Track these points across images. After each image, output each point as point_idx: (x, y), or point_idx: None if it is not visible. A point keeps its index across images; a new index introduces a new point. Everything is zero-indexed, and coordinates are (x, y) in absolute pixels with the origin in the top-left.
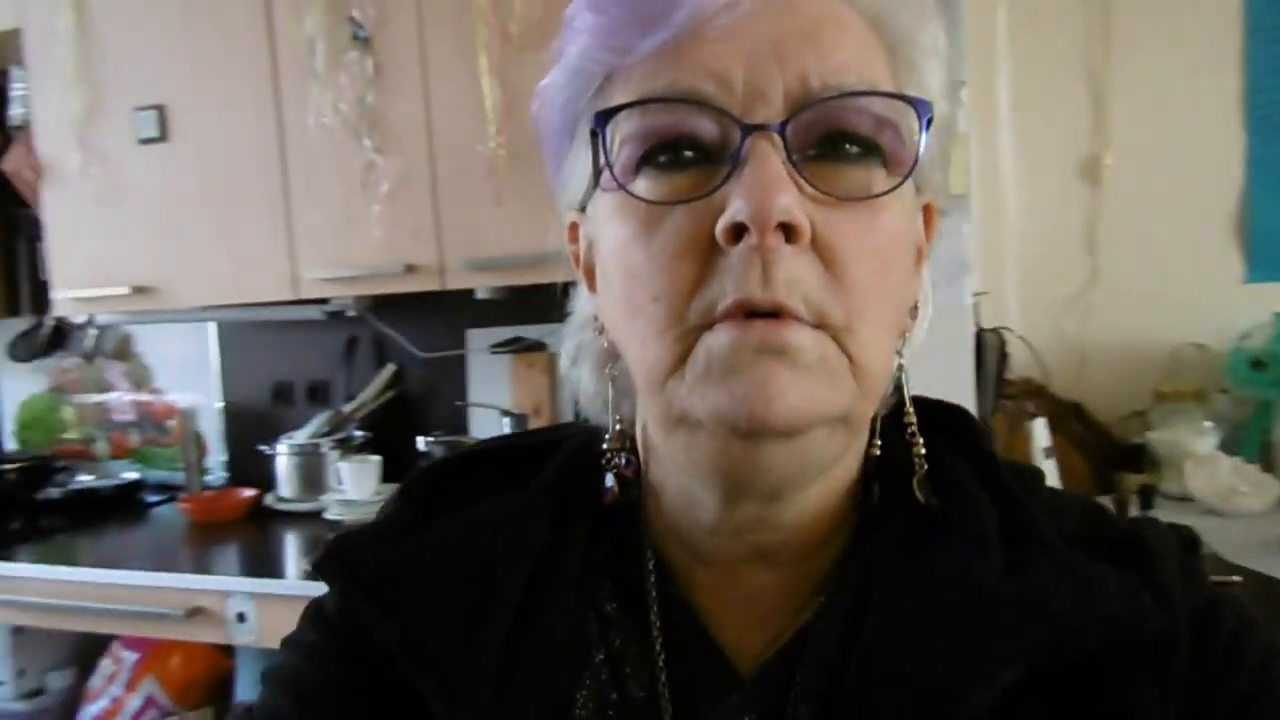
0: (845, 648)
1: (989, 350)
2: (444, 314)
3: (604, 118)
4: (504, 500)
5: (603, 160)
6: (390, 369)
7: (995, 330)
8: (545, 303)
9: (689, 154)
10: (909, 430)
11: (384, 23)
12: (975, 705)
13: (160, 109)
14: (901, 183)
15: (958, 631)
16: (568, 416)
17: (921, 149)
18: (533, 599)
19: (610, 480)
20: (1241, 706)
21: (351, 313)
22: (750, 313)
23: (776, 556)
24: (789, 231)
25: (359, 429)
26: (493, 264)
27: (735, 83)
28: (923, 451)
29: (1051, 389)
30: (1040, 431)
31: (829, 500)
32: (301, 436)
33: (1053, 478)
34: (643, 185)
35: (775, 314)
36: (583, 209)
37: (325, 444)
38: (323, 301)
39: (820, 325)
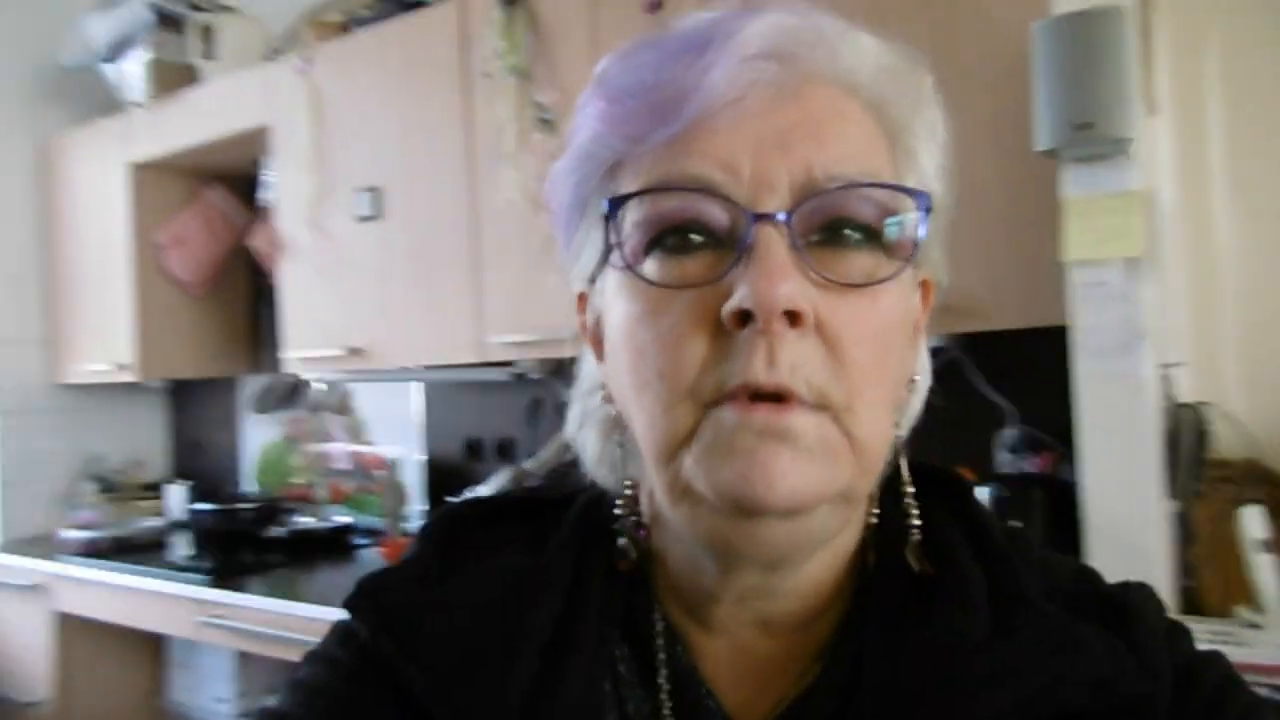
0: (842, 715)
1: (1184, 427)
2: None
3: (616, 203)
4: (527, 558)
5: (614, 241)
6: None
7: (1193, 405)
8: None
9: (697, 238)
10: (904, 499)
11: (567, 106)
12: None
13: (375, 190)
14: (901, 270)
15: (948, 695)
16: None
17: (921, 236)
18: (553, 658)
19: (624, 544)
20: None
21: (534, 375)
22: (755, 395)
23: (779, 625)
24: (792, 317)
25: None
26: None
27: (743, 172)
28: (917, 521)
29: (1277, 472)
30: (1254, 521)
31: (829, 570)
32: (485, 490)
33: (1267, 572)
34: (651, 267)
35: (779, 397)
36: (592, 282)
37: None
38: (509, 364)
39: (822, 406)
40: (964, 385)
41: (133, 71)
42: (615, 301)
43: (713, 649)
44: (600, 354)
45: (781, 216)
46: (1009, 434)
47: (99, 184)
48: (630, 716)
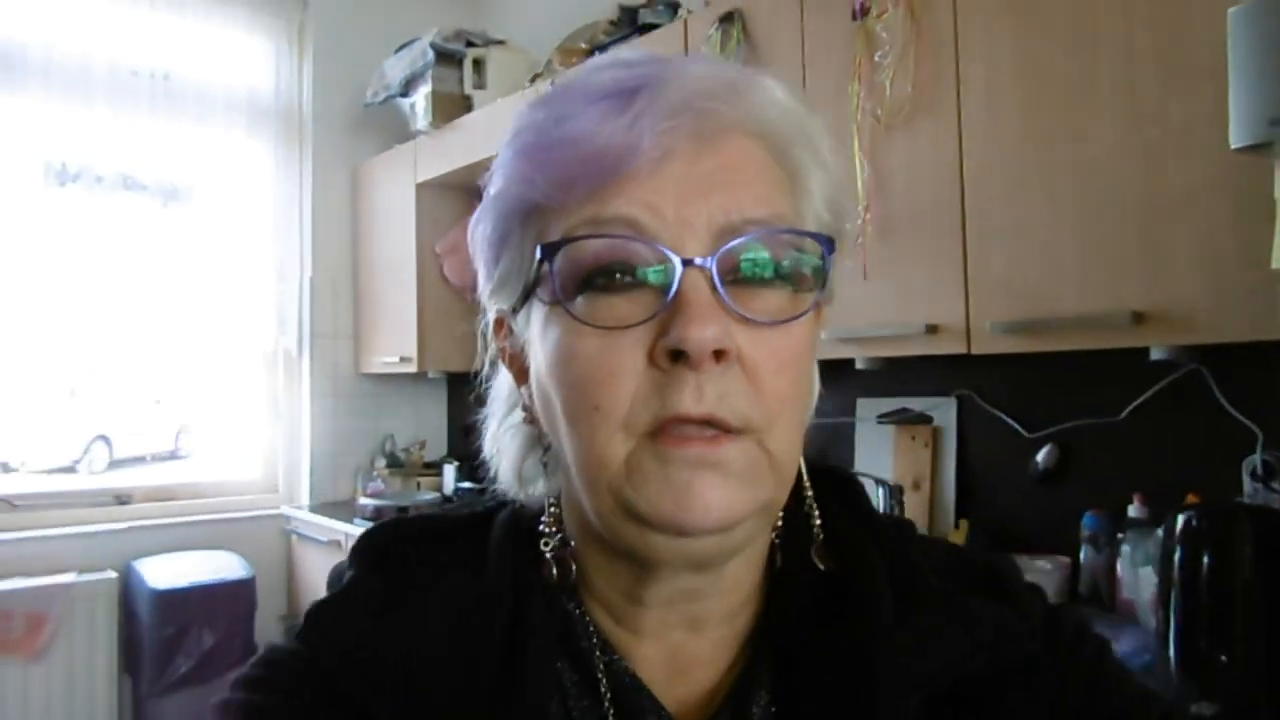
0: (774, 703)
1: None
2: (836, 381)
3: (550, 249)
4: (467, 580)
5: (548, 283)
6: None
7: None
8: (924, 375)
9: (624, 278)
10: (806, 504)
11: None
12: None
13: None
14: (811, 306)
15: (865, 674)
16: (948, 494)
17: (828, 272)
18: (508, 678)
19: (553, 559)
20: (1088, 691)
21: None
22: (686, 421)
23: (705, 624)
24: (718, 354)
25: None
26: (856, 336)
27: (667, 216)
28: (818, 522)
29: None
30: None
31: (747, 570)
32: None
33: None
34: (584, 306)
35: (709, 424)
36: (514, 311)
37: None
38: None
39: (745, 431)
40: (1204, 403)
41: (419, 104)
42: (546, 335)
43: (645, 653)
44: (522, 378)
45: (705, 262)
46: (1256, 459)
47: (394, 202)
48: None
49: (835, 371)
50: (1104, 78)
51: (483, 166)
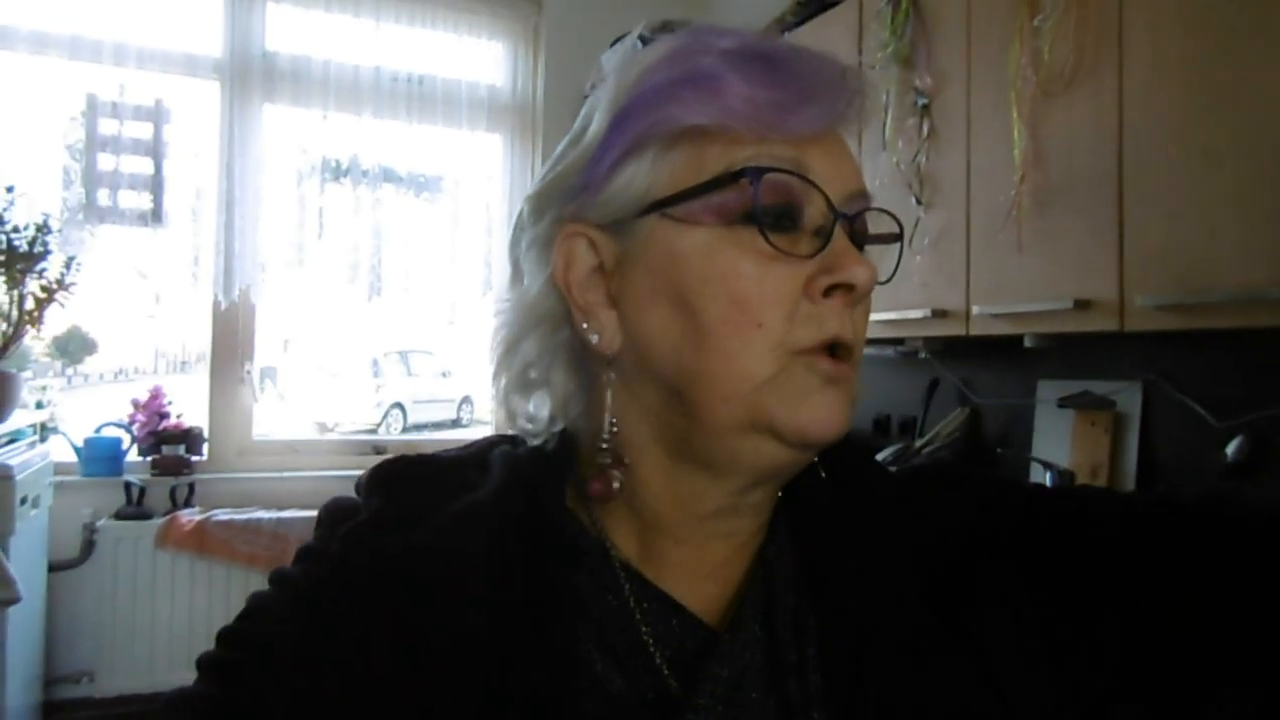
0: (797, 583)
1: None
2: (1008, 361)
3: (759, 171)
4: (484, 500)
5: (754, 204)
6: (963, 412)
7: None
8: (1111, 357)
9: (791, 219)
10: None
11: (940, 88)
12: (912, 588)
13: None
14: (891, 277)
15: (882, 546)
16: (1126, 485)
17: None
18: (537, 582)
19: (613, 475)
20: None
21: (922, 354)
22: (839, 345)
23: (738, 534)
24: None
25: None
26: (1008, 312)
27: (830, 171)
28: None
29: None
30: None
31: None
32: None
33: None
34: (751, 232)
35: (844, 348)
36: (612, 226)
37: None
38: (898, 342)
39: (856, 361)
40: None
41: None
42: (693, 250)
43: (677, 556)
44: (596, 294)
45: (850, 219)
46: None
47: None
48: (601, 619)
49: (1003, 350)
50: (1276, 33)
51: None
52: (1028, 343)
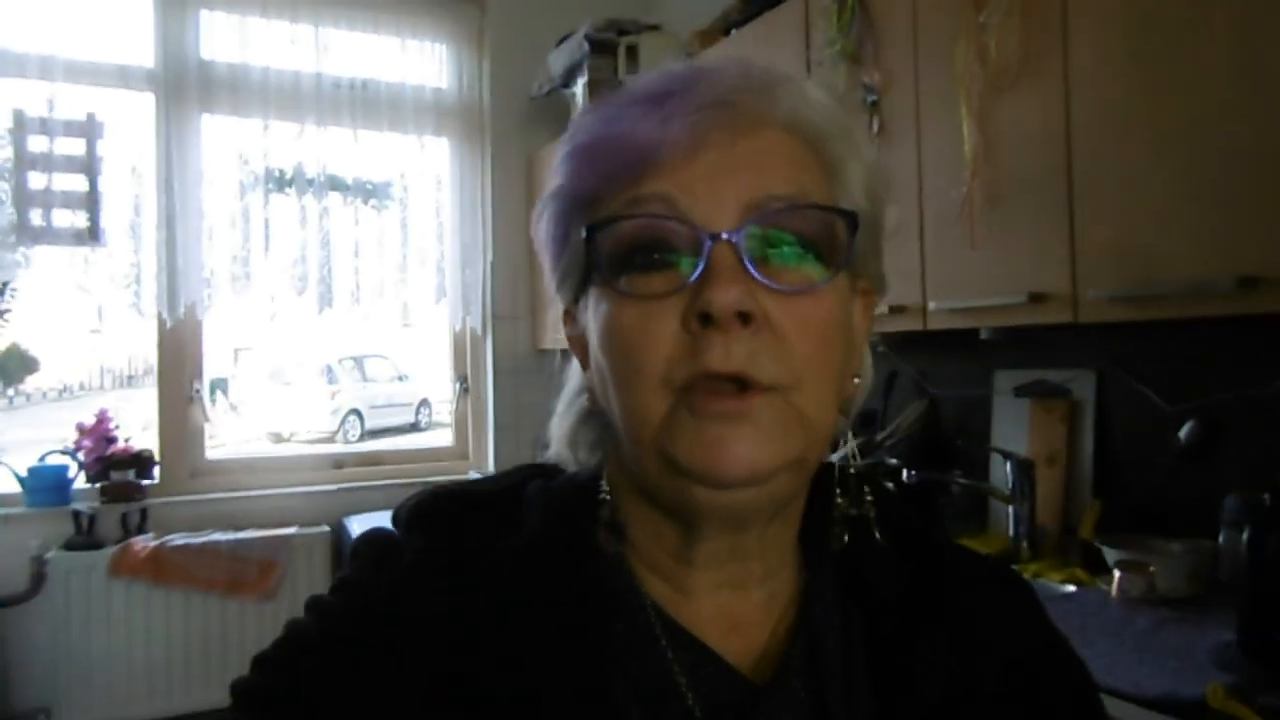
0: (844, 644)
1: None
2: (965, 352)
3: (594, 228)
4: (520, 545)
5: (595, 261)
6: (922, 403)
7: None
8: (1066, 346)
9: (661, 256)
10: (855, 480)
11: (889, 84)
12: (985, 683)
13: None
14: (833, 276)
15: (959, 630)
16: (1085, 471)
17: (853, 249)
18: (576, 629)
19: (605, 530)
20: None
21: (881, 348)
22: (717, 379)
23: (748, 583)
24: (744, 317)
25: (893, 457)
26: (963, 306)
27: (698, 192)
28: (870, 498)
29: None
30: None
31: (786, 533)
32: (834, 457)
33: None
34: (624, 281)
35: (741, 383)
36: (576, 301)
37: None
38: None
39: (774, 388)
40: None
41: (578, 93)
42: (597, 312)
43: (697, 611)
44: (586, 362)
45: (732, 235)
46: None
47: None
48: (638, 678)
49: (960, 342)
50: (1218, 27)
51: None
52: (983, 334)
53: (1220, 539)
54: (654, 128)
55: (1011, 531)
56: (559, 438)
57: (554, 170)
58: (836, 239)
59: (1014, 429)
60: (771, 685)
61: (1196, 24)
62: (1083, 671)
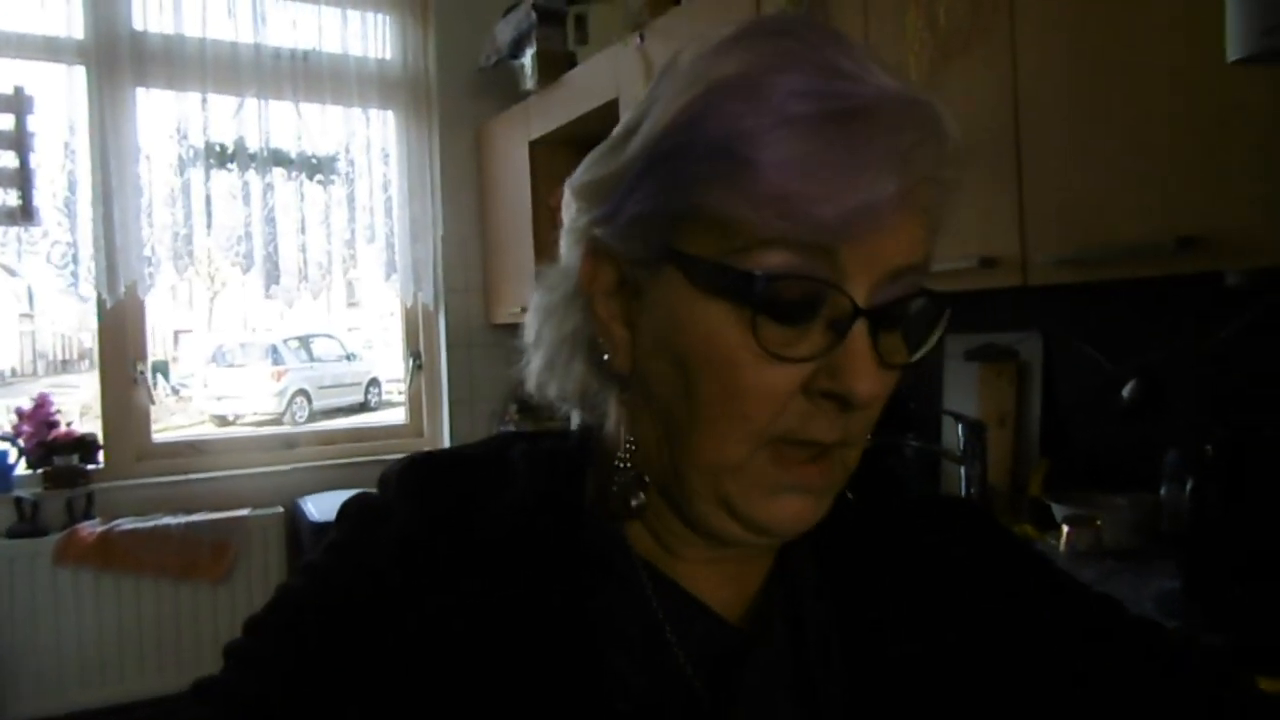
0: (818, 595)
1: None
2: None
3: (767, 279)
4: (506, 506)
5: (751, 316)
6: None
7: None
8: (1013, 309)
9: (806, 314)
10: None
11: None
12: (935, 616)
13: None
14: (922, 354)
15: (908, 573)
16: (1033, 431)
17: (942, 341)
18: (566, 590)
19: (640, 498)
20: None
21: None
22: (811, 444)
23: (755, 555)
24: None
25: None
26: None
27: (869, 265)
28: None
29: None
30: None
31: None
32: None
33: None
34: (765, 324)
35: (826, 452)
36: (637, 262)
37: None
38: None
39: (838, 447)
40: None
41: (526, 64)
42: (693, 314)
43: (691, 570)
44: (612, 321)
45: (872, 309)
46: None
47: (511, 160)
48: (626, 632)
49: None
50: None
51: (588, 119)
52: None
53: (1162, 492)
54: (843, 170)
55: (964, 491)
56: (572, 390)
57: (678, 141)
58: (932, 320)
59: (965, 392)
60: (756, 633)
61: None
62: (1084, 600)
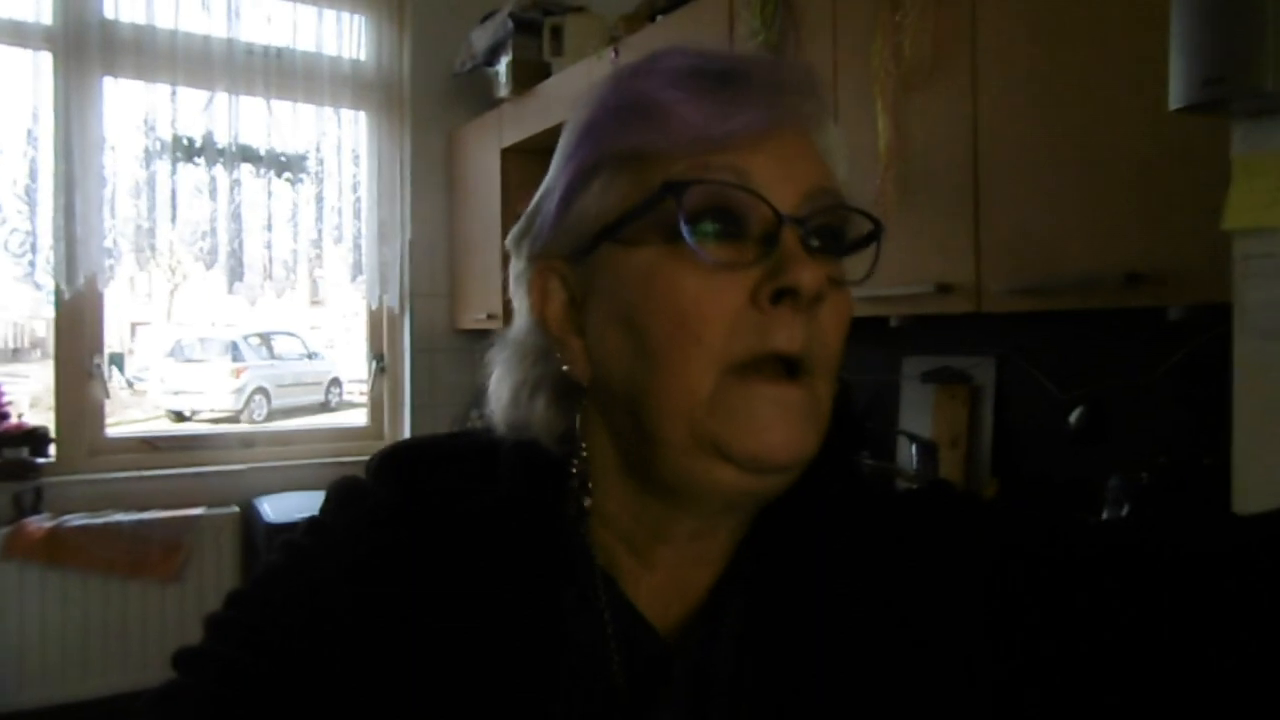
0: (749, 610)
1: None
2: (875, 339)
3: (677, 187)
4: (486, 502)
5: (667, 221)
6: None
7: None
8: (969, 334)
9: (730, 228)
10: None
11: None
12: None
13: None
14: (868, 275)
15: (834, 576)
16: (984, 453)
17: (879, 256)
18: (530, 592)
19: (587, 502)
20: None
21: None
22: (778, 360)
23: (710, 558)
24: (817, 299)
25: None
26: (873, 295)
27: (770, 173)
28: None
29: None
30: None
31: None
32: None
33: None
34: (696, 243)
35: (791, 364)
36: (573, 258)
37: None
38: None
39: (809, 374)
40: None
41: (501, 72)
42: (633, 276)
43: (650, 582)
44: (562, 327)
45: (801, 220)
46: None
47: (482, 167)
48: (578, 641)
49: (871, 329)
50: (1111, 38)
51: (561, 130)
52: (893, 323)
53: (1104, 515)
54: (725, 104)
55: None
56: (540, 425)
57: (584, 124)
58: (864, 240)
59: (920, 413)
60: (678, 650)
61: (1092, 35)
62: (1078, 532)
